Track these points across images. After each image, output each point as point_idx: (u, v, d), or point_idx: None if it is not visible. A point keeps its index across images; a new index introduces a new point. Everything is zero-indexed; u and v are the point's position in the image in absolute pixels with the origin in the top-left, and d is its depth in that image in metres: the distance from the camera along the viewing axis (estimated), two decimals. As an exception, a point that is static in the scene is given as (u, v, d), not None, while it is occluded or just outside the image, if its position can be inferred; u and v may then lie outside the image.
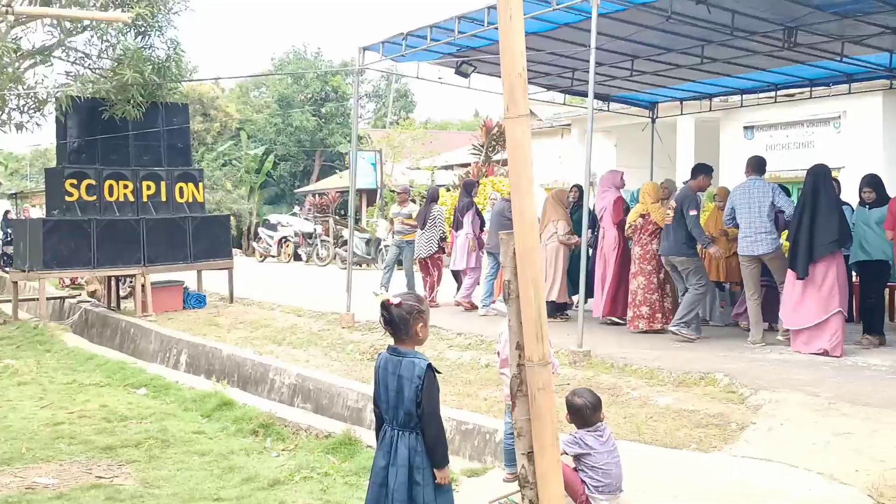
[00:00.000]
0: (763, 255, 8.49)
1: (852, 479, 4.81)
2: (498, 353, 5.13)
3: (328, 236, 23.21)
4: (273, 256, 23.79)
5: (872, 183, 8.59)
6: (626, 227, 9.67)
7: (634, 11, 8.28)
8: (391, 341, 3.70)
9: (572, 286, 10.34)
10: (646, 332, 9.41)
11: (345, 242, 21.65)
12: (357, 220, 17.85)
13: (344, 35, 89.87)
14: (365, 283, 13.42)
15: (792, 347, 8.15)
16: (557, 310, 10.33)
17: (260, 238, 24.69)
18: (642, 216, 9.48)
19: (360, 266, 19.92)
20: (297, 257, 23.29)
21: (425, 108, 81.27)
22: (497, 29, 8.55)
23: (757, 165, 8.76)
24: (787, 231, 8.54)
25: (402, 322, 3.61)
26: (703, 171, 9.26)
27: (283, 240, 23.73)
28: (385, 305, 3.63)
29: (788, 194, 9.49)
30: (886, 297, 9.37)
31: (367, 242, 21.19)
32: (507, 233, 2.76)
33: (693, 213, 8.76)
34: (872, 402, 6.08)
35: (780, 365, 7.65)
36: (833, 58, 9.89)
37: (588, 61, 8.13)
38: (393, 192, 24.19)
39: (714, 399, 6.60)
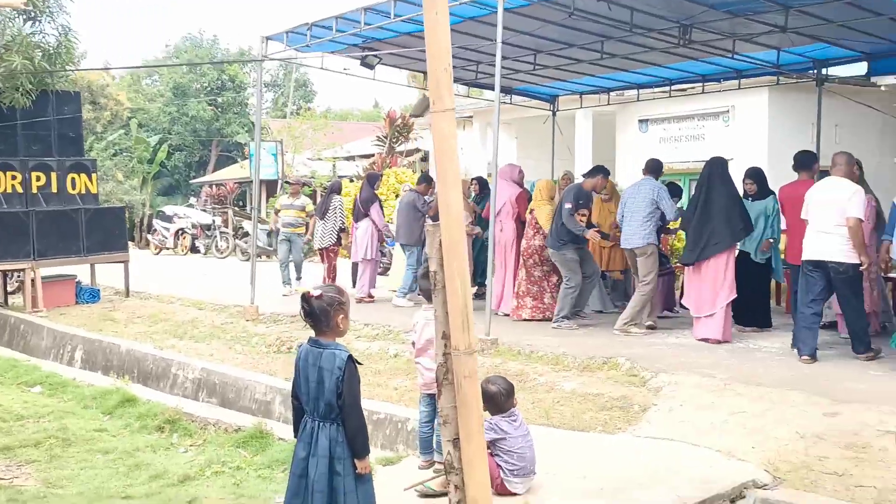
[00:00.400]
0: (634, 248, 8.80)
1: (749, 456, 5.09)
2: (413, 343, 5.19)
3: (227, 228, 22.75)
4: (169, 249, 23.14)
5: (754, 175, 8.99)
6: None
7: (538, 7, 8.45)
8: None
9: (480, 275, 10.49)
10: (528, 320, 9.61)
11: (245, 234, 21.28)
12: (258, 212, 17.55)
13: (241, 23, 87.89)
14: (268, 276, 13.26)
15: (694, 334, 8.48)
16: None
17: (155, 230, 23.97)
18: (530, 212, 9.73)
19: (261, 258, 19.59)
20: (194, 249, 22.73)
21: (325, 98, 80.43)
22: (403, 22, 8.65)
23: (652, 167, 9.14)
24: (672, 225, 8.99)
25: (322, 314, 3.63)
26: (600, 171, 9.55)
27: (180, 232, 23.11)
28: (305, 298, 3.63)
29: (680, 191, 9.92)
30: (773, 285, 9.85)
31: (269, 234, 20.84)
32: (434, 224, 2.82)
33: (568, 206, 8.97)
34: (764, 383, 6.42)
35: (677, 349, 7.99)
36: (724, 54, 10.32)
37: (492, 55, 8.26)
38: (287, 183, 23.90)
39: (617, 383, 6.85)
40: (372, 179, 12.17)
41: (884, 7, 8.00)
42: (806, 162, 8.29)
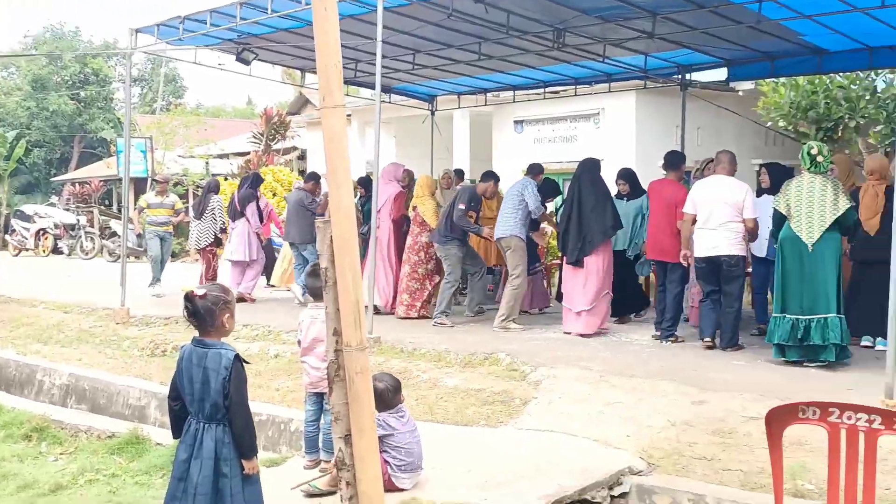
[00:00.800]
0: (499, 238, 9.05)
1: (625, 444, 5.29)
2: (299, 342, 5.14)
3: (93, 228, 21.76)
4: (29, 250, 21.90)
5: (626, 176, 9.39)
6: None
7: (418, 7, 8.50)
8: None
9: None
10: (405, 318, 9.68)
11: (112, 234, 20.45)
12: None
13: (105, 14, 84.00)
14: (138, 277, 12.78)
15: (565, 328, 8.74)
16: None
17: (14, 230, 22.63)
18: (414, 208, 9.80)
19: (130, 258, 18.85)
20: (56, 251, 21.62)
21: (196, 94, 78.02)
22: (280, 17, 8.51)
23: (530, 169, 9.70)
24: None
25: (207, 313, 3.55)
26: (492, 177, 9.92)
27: (41, 232, 21.92)
28: (189, 297, 3.54)
29: (559, 188, 10.20)
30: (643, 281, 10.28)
31: (138, 234, 20.10)
32: (324, 221, 2.81)
33: (461, 206, 9.14)
34: (637, 374, 6.68)
35: (555, 343, 8.22)
36: (596, 58, 10.66)
37: (372, 53, 8.25)
38: (155, 181, 23.08)
39: (498, 377, 6.98)
40: (258, 180, 12.06)
41: (742, 16, 8.48)
42: (675, 162, 8.70)
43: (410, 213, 9.93)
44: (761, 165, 8.90)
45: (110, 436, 6.24)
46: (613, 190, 9.15)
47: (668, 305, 8.23)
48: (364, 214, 10.35)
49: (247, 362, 3.64)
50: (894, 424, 2.55)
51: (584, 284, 8.50)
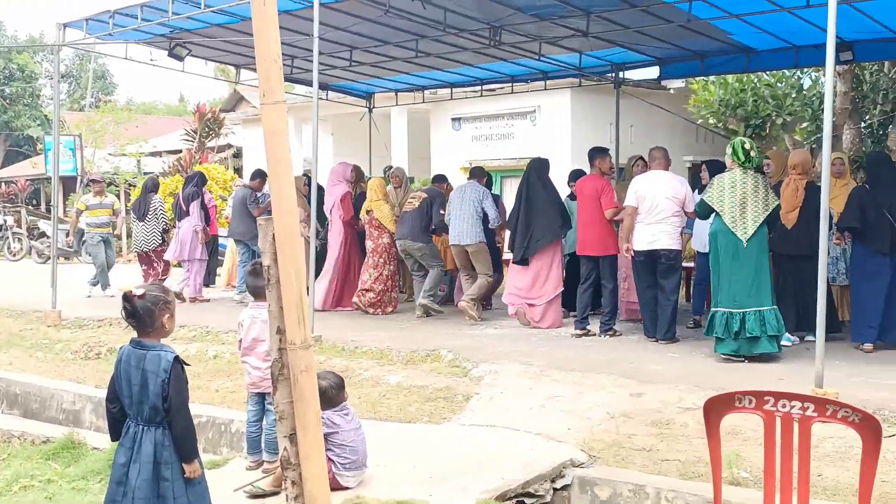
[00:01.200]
0: (467, 245, 9.22)
1: (566, 437, 5.36)
2: (240, 343, 5.07)
3: (20, 228, 21.10)
4: (-48, 252, 21.16)
5: (577, 177, 9.50)
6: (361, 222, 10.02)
7: (355, 3, 8.44)
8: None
9: None
10: (369, 314, 9.75)
11: (41, 234, 19.90)
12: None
13: (29, 8, 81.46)
14: (70, 279, 12.45)
15: (518, 324, 8.85)
16: None
17: (-65, 232, 21.81)
18: (368, 212, 9.80)
19: (62, 260, 18.36)
20: (-18, 252, 20.92)
21: (127, 90, 76.18)
22: (213, 12, 8.38)
23: (474, 172, 9.83)
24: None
25: (146, 314, 3.48)
26: (443, 180, 10.40)
27: (-35, 233, 21.19)
28: (128, 297, 3.47)
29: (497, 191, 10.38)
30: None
31: (68, 234, 19.57)
32: (266, 218, 2.78)
33: (442, 211, 9.52)
34: (577, 368, 6.77)
35: (497, 339, 8.27)
36: (532, 56, 10.75)
37: (308, 49, 8.18)
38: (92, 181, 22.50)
39: (441, 374, 7.00)
40: (203, 179, 11.93)
41: (673, 15, 8.65)
42: (592, 156, 8.75)
43: (364, 217, 9.91)
44: (703, 162, 9.07)
45: (45, 441, 6.08)
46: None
47: (607, 300, 8.37)
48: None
49: (187, 364, 3.58)
50: (827, 412, 2.64)
51: (532, 281, 8.60)
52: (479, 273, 9.32)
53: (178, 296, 10.95)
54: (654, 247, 7.71)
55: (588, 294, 8.40)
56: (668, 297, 7.83)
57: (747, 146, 7.07)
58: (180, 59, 10.28)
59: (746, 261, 6.90)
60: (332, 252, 10.27)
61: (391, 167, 11.88)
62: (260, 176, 11.07)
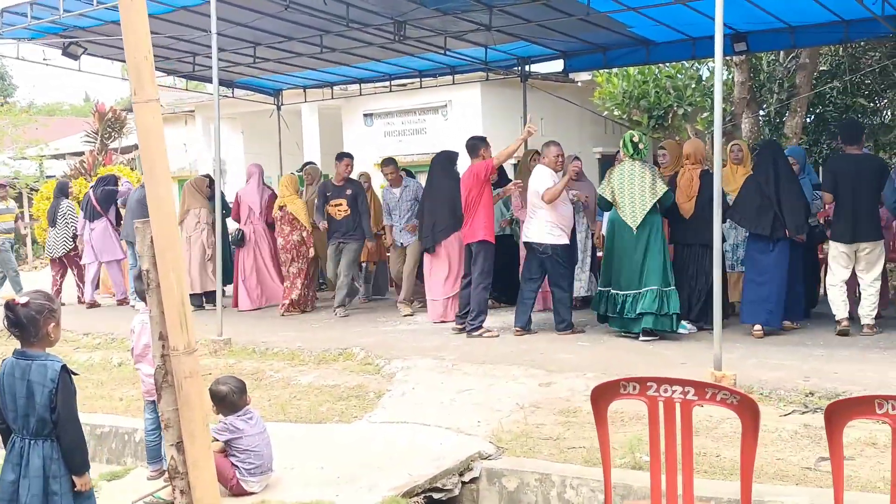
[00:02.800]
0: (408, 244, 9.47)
1: (476, 430, 5.38)
2: (131, 351, 4.94)
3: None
4: None
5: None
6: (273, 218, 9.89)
7: (253, -3, 8.32)
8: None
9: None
10: (285, 315, 9.65)
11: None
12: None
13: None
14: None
15: (429, 318, 8.83)
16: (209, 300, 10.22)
17: None
18: (280, 208, 9.67)
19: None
20: None
21: (28, 92, 73.07)
22: (107, 9, 8.12)
23: (384, 164, 9.86)
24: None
25: (31, 323, 3.34)
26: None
27: None
28: (10, 306, 3.33)
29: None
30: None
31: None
32: (143, 221, 2.69)
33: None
34: (488, 360, 6.82)
35: (409, 334, 8.26)
36: (438, 51, 10.76)
37: (209, 46, 8.01)
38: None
39: (353, 372, 6.96)
40: (115, 181, 11.62)
41: (573, 9, 8.76)
42: (471, 147, 8.66)
43: (276, 213, 9.77)
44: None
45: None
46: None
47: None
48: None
49: (75, 373, 3.46)
50: (706, 395, 2.72)
51: (443, 272, 8.62)
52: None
53: (125, 302, 10.95)
54: (527, 240, 7.90)
55: (467, 291, 8.20)
56: (554, 290, 7.93)
57: (635, 139, 7.43)
58: (75, 57, 9.93)
59: (637, 246, 7.28)
60: (257, 252, 10.14)
61: (312, 164, 11.66)
62: None
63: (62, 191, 11.73)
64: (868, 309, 7.30)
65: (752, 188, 7.44)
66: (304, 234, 9.71)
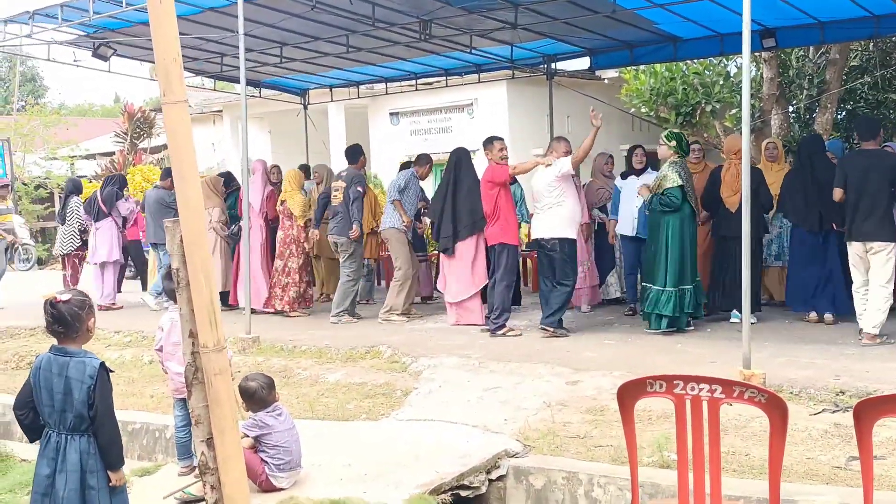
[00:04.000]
0: (382, 230, 9.29)
1: (503, 428, 5.39)
2: (160, 349, 5.00)
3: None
4: None
5: None
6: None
7: (280, -2, 8.37)
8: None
9: None
10: (280, 312, 9.64)
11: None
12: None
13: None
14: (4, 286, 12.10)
15: (449, 321, 8.75)
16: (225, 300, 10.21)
17: None
18: (282, 202, 9.70)
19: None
20: None
21: (60, 92, 74.17)
22: (136, 10, 8.21)
23: (417, 160, 9.80)
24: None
25: (74, 319, 3.41)
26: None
27: None
28: (52, 303, 3.38)
29: None
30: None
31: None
32: (173, 220, 2.73)
33: (360, 189, 9.11)
34: (514, 358, 6.82)
35: (436, 333, 8.27)
36: (464, 49, 10.76)
37: (237, 47, 8.08)
38: (26, 185, 21.97)
39: (380, 370, 6.99)
40: (121, 182, 11.67)
41: (599, 6, 8.73)
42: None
43: (279, 207, 9.80)
44: (633, 147, 9.19)
45: (-29, 454, 5.92)
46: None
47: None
48: (227, 210, 10.21)
49: (111, 370, 3.51)
50: (734, 393, 2.70)
51: (462, 274, 8.56)
52: (394, 268, 9.18)
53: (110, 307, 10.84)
54: (538, 235, 7.86)
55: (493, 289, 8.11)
56: (557, 284, 7.80)
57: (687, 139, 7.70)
58: (105, 59, 10.06)
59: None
60: (257, 251, 10.12)
61: (319, 165, 11.65)
62: (171, 175, 10.79)
63: (75, 188, 11.71)
64: (871, 317, 6.79)
65: (797, 183, 7.47)
66: (297, 230, 9.60)
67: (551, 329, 7.76)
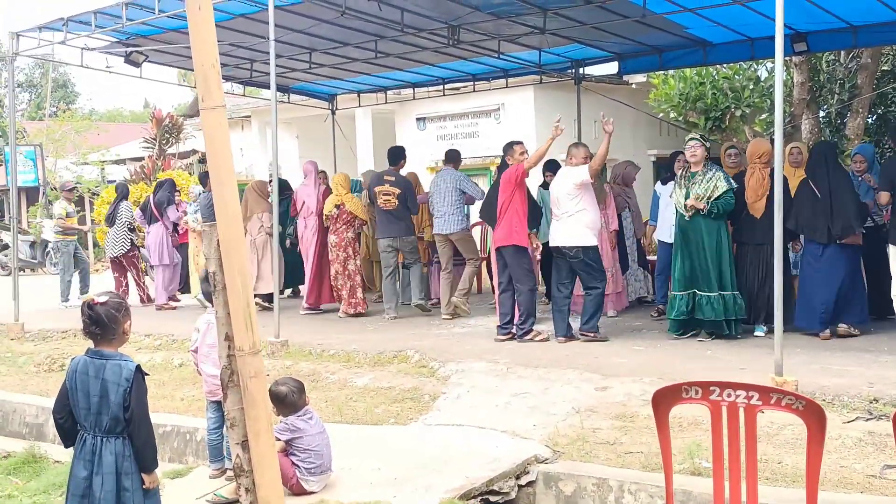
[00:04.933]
0: (451, 234, 9.23)
1: (532, 433, 5.38)
2: (195, 351, 5.04)
3: (-18, 241, 20.79)
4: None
5: (551, 167, 9.51)
6: (324, 217, 9.89)
7: (310, 5, 8.41)
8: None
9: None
10: (353, 315, 9.75)
11: (5, 246, 19.64)
12: (18, 222, 16.18)
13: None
14: (33, 290, 12.29)
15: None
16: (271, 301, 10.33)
17: None
18: (337, 206, 9.76)
19: (25, 271, 18.20)
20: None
21: (91, 98, 74.92)
22: (169, 17, 8.31)
23: (449, 157, 9.78)
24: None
25: (111, 321, 3.45)
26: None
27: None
28: (90, 305, 3.43)
29: None
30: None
31: (32, 245, 19.42)
32: (210, 224, 2.76)
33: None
34: (542, 364, 6.79)
35: (464, 337, 8.27)
36: (491, 55, 10.78)
37: (266, 53, 8.14)
38: (55, 189, 22.25)
39: (408, 375, 6.99)
40: (172, 186, 11.91)
41: (629, 11, 8.70)
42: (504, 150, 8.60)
43: (333, 211, 9.83)
44: (676, 153, 9.09)
45: (6, 455, 6.01)
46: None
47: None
48: (281, 216, 10.27)
49: (147, 374, 3.55)
50: (771, 400, 2.68)
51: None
52: (467, 260, 9.36)
53: (169, 304, 11.21)
54: (558, 243, 7.72)
55: (508, 295, 8.02)
56: (588, 290, 7.75)
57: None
58: (137, 65, 10.19)
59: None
60: (313, 249, 10.20)
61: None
62: (208, 177, 11.00)
63: (123, 193, 12.08)
64: None
65: (807, 192, 7.33)
66: (363, 229, 9.91)
67: (592, 333, 7.72)
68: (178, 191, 12.56)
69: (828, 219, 7.16)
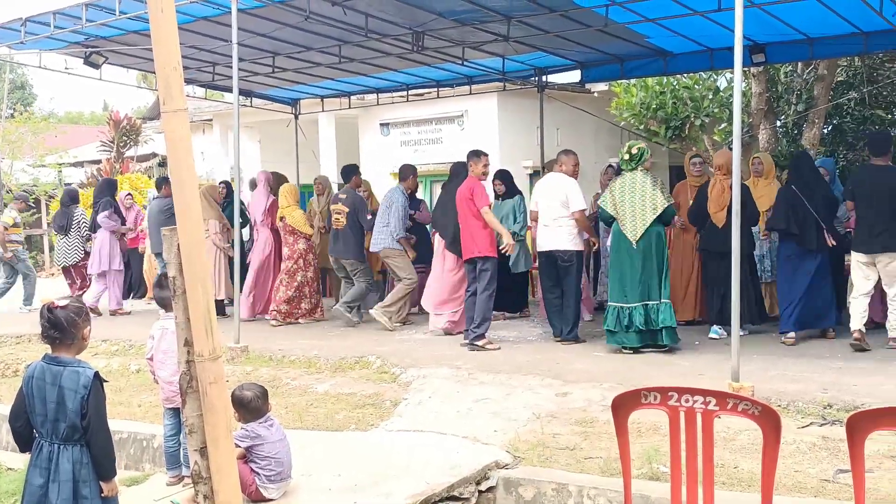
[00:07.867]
0: (377, 252, 9.35)
1: (493, 439, 5.39)
2: (150, 358, 4.98)
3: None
4: None
5: (502, 177, 9.59)
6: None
7: (273, 9, 8.37)
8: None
9: None
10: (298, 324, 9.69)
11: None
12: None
13: (-61, 15, 78.14)
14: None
15: (435, 327, 8.79)
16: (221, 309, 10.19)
17: None
18: (281, 219, 9.72)
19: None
20: None
21: (50, 100, 73.73)
22: (129, 19, 8.21)
23: (401, 172, 9.80)
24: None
25: (71, 325, 3.39)
26: (354, 172, 9.98)
27: None
28: (50, 309, 3.37)
29: None
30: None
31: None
32: (170, 228, 2.73)
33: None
34: (504, 370, 6.83)
35: (426, 343, 8.28)
36: (455, 61, 10.80)
37: (229, 56, 8.08)
38: (10, 192, 21.83)
39: (369, 380, 6.98)
40: (110, 186, 11.65)
41: (591, 20, 8.79)
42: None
43: (279, 224, 9.82)
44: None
45: (-45, 465, 5.87)
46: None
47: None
48: (229, 220, 10.18)
49: (105, 381, 3.50)
50: (728, 405, 2.72)
51: (448, 285, 8.60)
52: (396, 279, 9.33)
53: (94, 310, 10.69)
54: (548, 248, 7.89)
55: (471, 300, 8.06)
56: (566, 298, 7.91)
57: (633, 150, 7.44)
58: (96, 66, 10.06)
59: (635, 260, 7.27)
60: (256, 259, 10.15)
61: (321, 176, 11.74)
62: (166, 182, 10.85)
63: (73, 198, 11.79)
64: (894, 322, 7.11)
65: (791, 199, 7.51)
66: (307, 242, 9.80)
67: (568, 341, 7.92)
68: (130, 194, 12.39)
69: (816, 225, 7.46)
